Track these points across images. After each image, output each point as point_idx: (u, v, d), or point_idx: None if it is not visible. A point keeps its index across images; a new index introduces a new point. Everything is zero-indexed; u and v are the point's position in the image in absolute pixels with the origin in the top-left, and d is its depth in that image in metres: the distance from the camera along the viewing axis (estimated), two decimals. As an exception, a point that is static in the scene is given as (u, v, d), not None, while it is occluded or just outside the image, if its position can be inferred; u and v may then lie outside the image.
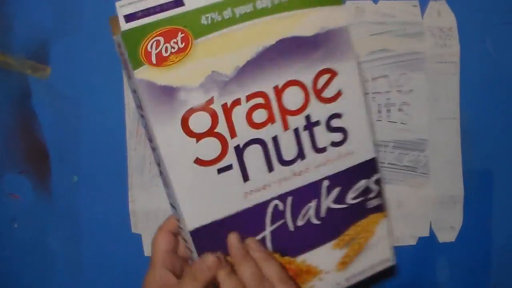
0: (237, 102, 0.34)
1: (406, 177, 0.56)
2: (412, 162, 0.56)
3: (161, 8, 0.32)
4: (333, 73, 0.36)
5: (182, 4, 0.32)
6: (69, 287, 0.55)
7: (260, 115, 0.35)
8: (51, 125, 0.55)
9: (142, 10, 0.32)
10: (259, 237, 0.37)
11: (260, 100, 0.35)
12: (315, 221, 0.38)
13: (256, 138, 0.35)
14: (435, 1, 0.57)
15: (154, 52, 0.32)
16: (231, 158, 0.35)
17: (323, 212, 0.38)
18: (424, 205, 0.56)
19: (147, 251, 0.56)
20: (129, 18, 0.31)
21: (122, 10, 0.31)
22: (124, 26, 0.31)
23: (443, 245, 0.57)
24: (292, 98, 0.36)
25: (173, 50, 0.32)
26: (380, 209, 0.40)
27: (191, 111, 0.33)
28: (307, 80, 0.36)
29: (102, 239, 0.55)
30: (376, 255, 0.41)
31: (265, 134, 0.36)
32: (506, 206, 0.57)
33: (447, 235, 0.57)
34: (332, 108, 0.37)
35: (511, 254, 0.58)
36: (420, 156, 0.56)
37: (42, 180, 0.55)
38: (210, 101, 0.34)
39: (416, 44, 0.56)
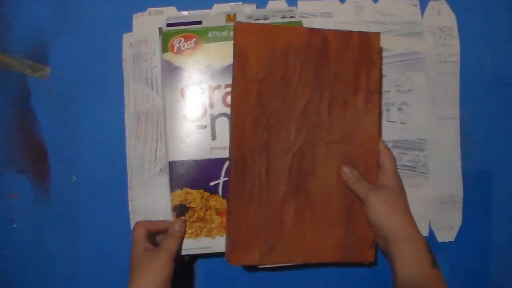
0: (218, 86, 0.51)
1: (405, 177, 0.56)
2: (412, 161, 0.56)
3: (188, 23, 0.51)
4: None
5: (200, 23, 0.51)
6: (68, 286, 0.55)
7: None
8: (50, 125, 0.55)
9: (177, 23, 0.51)
10: (215, 183, 0.50)
11: None
12: None
13: (226, 113, 0.50)
14: (435, 1, 0.57)
15: (176, 46, 0.50)
16: (207, 121, 0.50)
17: None
18: (423, 204, 0.56)
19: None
20: (168, 25, 0.51)
21: (167, 20, 0.52)
22: (165, 28, 0.51)
23: (442, 245, 0.57)
24: None
25: (187, 47, 0.50)
26: None
27: (189, 84, 0.50)
28: None
29: (101, 239, 0.55)
30: None
31: None
32: (505, 206, 0.57)
33: (446, 234, 0.57)
34: None
35: (510, 254, 0.58)
36: (420, 156, 0.56)
37: (41, 180, 0.55)
38: (202, 82, 0.51)
39: (416, 44, 0.56)
